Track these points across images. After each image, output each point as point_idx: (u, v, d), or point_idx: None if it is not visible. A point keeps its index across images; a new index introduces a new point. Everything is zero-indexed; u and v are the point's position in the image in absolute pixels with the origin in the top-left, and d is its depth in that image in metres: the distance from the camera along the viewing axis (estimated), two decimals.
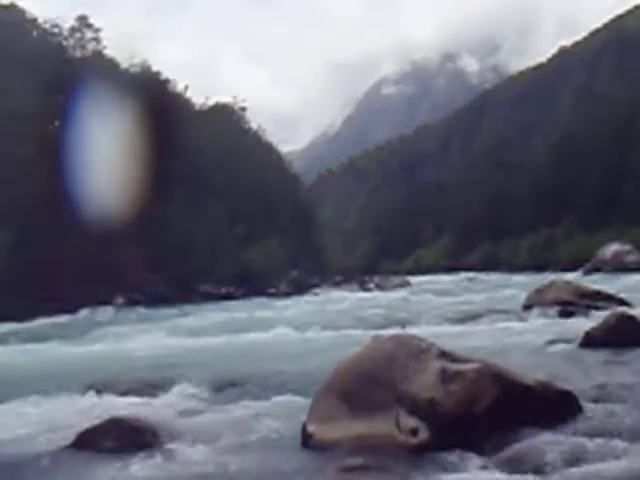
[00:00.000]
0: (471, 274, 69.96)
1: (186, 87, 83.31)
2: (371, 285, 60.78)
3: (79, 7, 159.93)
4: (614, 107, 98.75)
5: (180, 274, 55.75)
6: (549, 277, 34.19)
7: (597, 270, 54.02)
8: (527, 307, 22.58)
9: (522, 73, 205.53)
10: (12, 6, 75.81)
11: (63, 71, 55.53)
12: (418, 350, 8.19)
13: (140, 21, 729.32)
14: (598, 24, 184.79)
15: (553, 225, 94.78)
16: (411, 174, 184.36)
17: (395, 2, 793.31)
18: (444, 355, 8.11)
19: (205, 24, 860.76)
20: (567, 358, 13.05)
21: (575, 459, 6.60)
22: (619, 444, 6.90)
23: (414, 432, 7.43)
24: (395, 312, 26.32)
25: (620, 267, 53.03)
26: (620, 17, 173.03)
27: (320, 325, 22.89)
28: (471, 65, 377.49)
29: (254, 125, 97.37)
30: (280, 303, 42.60)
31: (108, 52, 72.46)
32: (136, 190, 49.25)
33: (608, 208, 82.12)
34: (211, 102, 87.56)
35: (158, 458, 7.83)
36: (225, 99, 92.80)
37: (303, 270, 74.60)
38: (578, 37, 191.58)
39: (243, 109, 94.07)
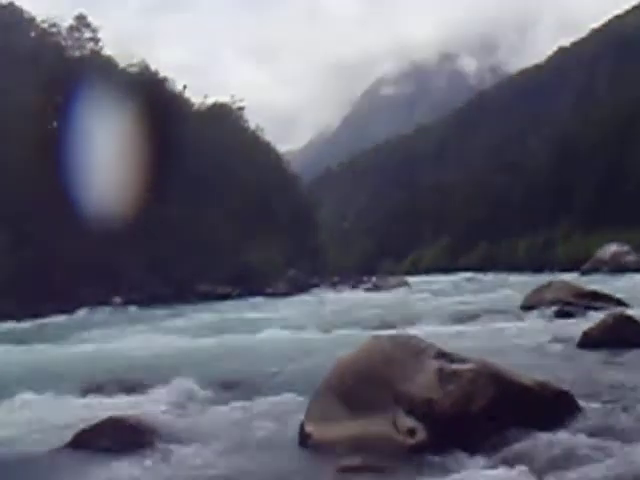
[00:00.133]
0: (469, 274, 69.98)
1: (184, 87, 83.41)
2: (369, 285, 60.84)
3: (77, 6, 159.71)
4: (613, 107, 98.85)
5: (178, 274, 55.83)
6: (547, 278, 34.22)
7: (595, 271, 54.06)
8: (525, 307, 22.62)
9: (521, 73, 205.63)
10: (10, 5, 75.73)
11: (61, 71, 55.54)
12: (416, 350, 8.19)
13: (138, 20, 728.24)
14: (597, 24, 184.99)
15: (551, 226, 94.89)
16: (410, 174, 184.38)
17: (394, 2, 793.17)
18: (442, 355, 8.11)
19: (203, 24, 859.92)
20: (565, 358, 13.07)
21: (573, 459, 6.61)
22: (617, 444, 6.91)
23: (412, 432, 7.43)
24: (393, 312, 26.33)
25: (618, 268, 53.08)
26: (619, 17, 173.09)
27: (317, 325, 22.92)
28: (470, 65, 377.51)
29: (252, 124, 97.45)
30: (278, 303, 42.67)
31: (106, 52, 72.53)
32: (134, 190, 49.29)
33: (607, 209, 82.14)
34: (209, 102, 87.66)
35: (155, 458, 7.82)
36: (223, 99, 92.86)
37: (301, 270, 74.67)
38: (577, 37, 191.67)
39: (241, 108, 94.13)
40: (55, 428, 9.60)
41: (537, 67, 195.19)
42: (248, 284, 57.82)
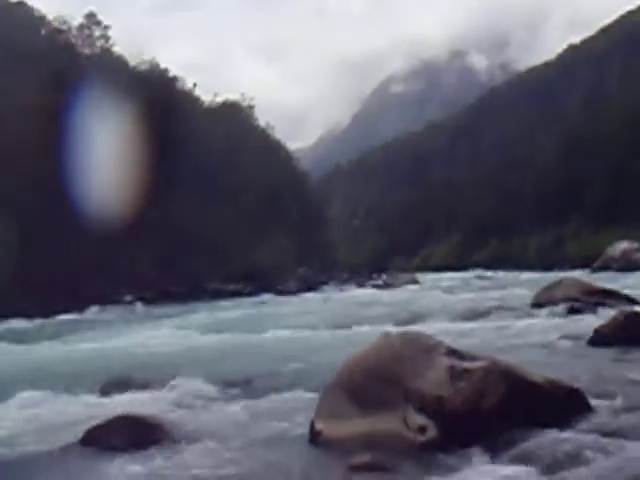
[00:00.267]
0: (480, 272, 69.94)
1: (194, 85, 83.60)
2: (379, 282, 60.79)
3: (87, 5, 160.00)
4: (622, 104, 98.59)
5: (189, 271, 55.88)
6: (558, 275, 34.14)
7: (606, 268, 53.89)
8: (536, 305, 22.52)
9: (531, 70, 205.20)
10: (21, 4, 75.90)
11: (71, 69, 55.59)
12: (426, 347, 8.19)
13: (148, 19, 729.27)
14: (607, 21, 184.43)
15: (562, 223, 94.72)
16: (420, 171, 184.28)
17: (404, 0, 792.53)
18: (452, 352, 8.10)
19: (213, 22, 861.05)
20: (576, 356, 13.03)
21: (583, 457, 6.60)
22: (628, 443, 6.89)
23: (422, 430, 7.43)
24: (403, 309, 26.29)
25: (629, 265, 52.84)
26: (629, 14, 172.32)
27: (327, 322, 22.95)
28: (480, 62, 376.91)
29: (262, 122, 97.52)
30: (288, 300, 42.68)
31: (117, 49, 72.65)
32: (144, 188, 49.35)
33: (617, 206, 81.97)
34: (220, 100, 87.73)
35: (166, 455, 7.84)
36: (233, 97, 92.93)
37: (311, 267, 74.69)
38: (587, 34, 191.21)
39: (251, 106, 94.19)
40: (67, 425, 9.63)
41: (547, 64, 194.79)
42: (258, 281, 57.81)
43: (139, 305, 44.44)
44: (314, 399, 8.78)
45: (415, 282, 54.51)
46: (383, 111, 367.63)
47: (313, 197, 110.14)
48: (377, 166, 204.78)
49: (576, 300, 21.21)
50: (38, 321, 33.80)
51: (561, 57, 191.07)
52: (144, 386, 12.27)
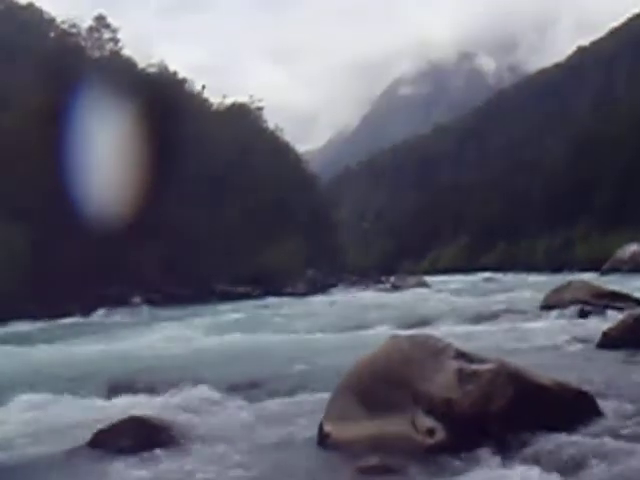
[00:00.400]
0: (488, 274, 69.80)
1: (203, 87, 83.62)
2: (388, 285, 60.81)
3: (96, 7, 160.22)
4: (631, 107, 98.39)
5: (197, 274, 55.88)
6: (566, 277, 34.09)
7: (615, 270, 53.77)
8: (545, 307, 22.51)
9: (540, 72, 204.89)
10: (30, 6, 76.10)
11: (80, 71, 55.66)
12: (435, 350, 8.19)
13: (158, 21, 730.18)
14: (616, 23, 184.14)
15: (570, 225, 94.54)
16: (428, 174, 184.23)
17: (412, 1, 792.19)
18: (461, 355, 8.10)
19: (223, 24, 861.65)
20: (584, 358, 13.03)
21: (591, 460, 6.60)
22: (636, 445, 6.88)
23: (431, 432, 7.43)
24: (412, 312, 26.29)
25: (638, 267, 52.72)
26: (638, 17, 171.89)
27: (336, 325, 22.97)
28: (488, 64, 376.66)
29: (271, 125, 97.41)
30: (297, 303, 42.69)
31: (126, 52, 72.73)
32: (153, 190, 49.35)
33: (626, 208, 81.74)
34: (228, 102, 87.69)
35: (174, 458, 7.86)
36: (242, 99, 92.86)
37: (320, 270, 74.63)
38: (596, 36, 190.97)
39: (260, 109, 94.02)
40: (73, 427, 9.66)
41: (556, 66, 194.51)
42: (267, 284, 57.82)
43: (146, 307, 44.44)
44: (322, 401, 8.78)
45: (423, 285, 54.45)
46: (392, 113, 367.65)
47: (322, 199, 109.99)
48: (386, 169, 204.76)
49: (585, 303, 21.20)
50: (43, 323, 33.81)
51: (570, 59, 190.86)
52: (151, 389, 12.28)
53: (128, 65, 70.29)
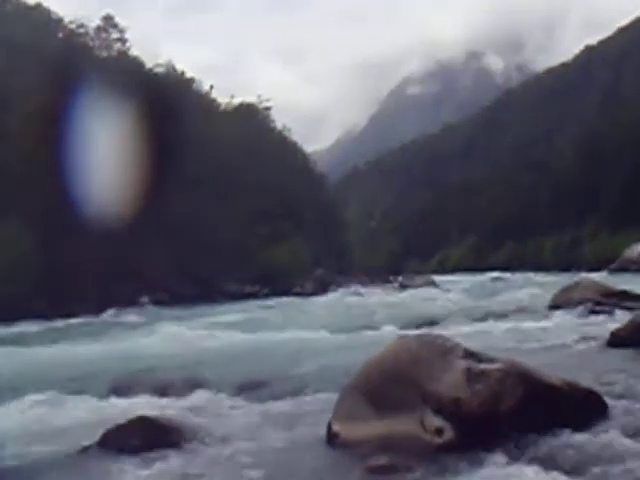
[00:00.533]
0: (496, 274, 69.71)
1: (211, 87, 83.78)
2: (396, 284, 60.76)
3: (104, 7, 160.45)
4: (639, 106, 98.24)
5: (205, 274, 55.95)
6: (575, 277, 34.03)
7: (623, 270, 53.69)
8: (553, 307, 22.48)
9: (548, 72, 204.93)
10: (38, 6, 76.19)
11: (88, 71, 55.71)
12: (443, 350, 8.18)
13: (166, 21, 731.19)
14: (624, 22, 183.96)
15: (578, 225, 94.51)
16: (436, 173, 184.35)
17: (420, 1, 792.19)
18: (469, 354, 8.09)
19: (231, 23, 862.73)
20: (593, 358, 12.99)
21: (601, 460, 6.59)
22: None
23: (439, 432, 7.42)
24: (420, 311, 26.26)
25: None
26: None
27: (343, 324, 22.95)
28: (496, 64, 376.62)
29: (279, 124, 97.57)
30: (305, 302, 42.68)
31: (134, 52, 72.83)
32: (161, 190, 49.42)
33: (634, 208, 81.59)
34: (236, 102, 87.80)
35: (183, 458, 7.86)
36: (250, 99, 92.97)
37: (328, 270, 74.68)
38: (604, 35, 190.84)
39: (268, 108, 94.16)
40: (83, 427, 9.66)
41: (564, 65, 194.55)
42: (275, 283, 57.93)
43: (154, 307, 44.48)
44: (330, 401, 8.77)
45: (432, 284, 54.33)
46: (400, 113, 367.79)
47: (330, 199, 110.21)
48: (394, 168, 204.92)
49: (594, 302, 21.16)
50: (52, 323, 33.88)
51: (577, 58, 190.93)
52: (158, 389, 12.29)
53: (136, 65, 70.40)
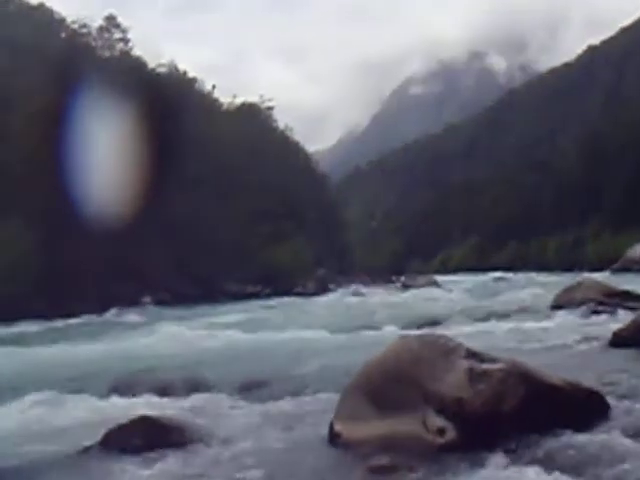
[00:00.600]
0: (499, 274, 69.70)
1: (213, 87, 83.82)
2: (398, 284, 60.77)
3: (107, 7, 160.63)
4: None
5: (207, 274, 55.97)
6: (577, 277, 34.01)
7: (626, 270, 53.63)
8: (555, 307, 22.46)
9: (550, 72, 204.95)
10: (40, 6, 76.23)
11: (90, 71, 55.74)
12: (445, 349, 8.17)
13: (169, 21, 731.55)
14: (627, 22, 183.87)
15: (581, 225, 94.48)
16: (439, 173, 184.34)
17: (423, 1, 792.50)
18: (472, 354, 8.08)
19: (233, 23, 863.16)
20: (596, 358, 12.97)
21: (603, 459, 6.58)
22: None
23: (441, 432, 7.41)
24: (422, 311, 26.26)
25: None
26: None
27: (345, 324, 22.96)
28: (499, 64, 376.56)
29: (281, 124, 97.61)
30: (306, 302, 42.69)
31: (136, 52, 72.87)
32: (163, 190, 49.44)
33: (637, 208, 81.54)
34: (238, 101, 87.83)
35: (185, 457, 7.85)
36: (252, 98, 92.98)
37: (330, 269, 74.71)
38: (607, 35, 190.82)
39: (270, 108, 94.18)
40: (85, 426, 9.66)
41: (566, 65, 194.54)
42: (277, 283, 57.96)
43: (156, 307, 44.50)
44: (332, 401, 8.76)
45: (434, 284, 54.33)
46: (402, 113, 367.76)
47: (332, 199, 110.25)
48: (396, 168, 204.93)
49: (596, 302, 21.14)
50: (53, 323, 33.89)
51: (580, 58, 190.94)
52: (158, 389, 12.28)
53: (138, 65, 70.42)
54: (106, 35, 71.68)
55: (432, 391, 7.72)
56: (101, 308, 41.14)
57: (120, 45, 72.37)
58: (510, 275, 68.46)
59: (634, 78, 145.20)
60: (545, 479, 6.33)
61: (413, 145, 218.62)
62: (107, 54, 70.58)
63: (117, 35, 72.12)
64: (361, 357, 9.11)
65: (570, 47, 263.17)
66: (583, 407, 7.90)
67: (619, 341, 13.70)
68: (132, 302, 44.75)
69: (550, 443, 7.08)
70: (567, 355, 13.46)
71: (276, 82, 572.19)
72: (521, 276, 66.84)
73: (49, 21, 73.19)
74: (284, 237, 68.56)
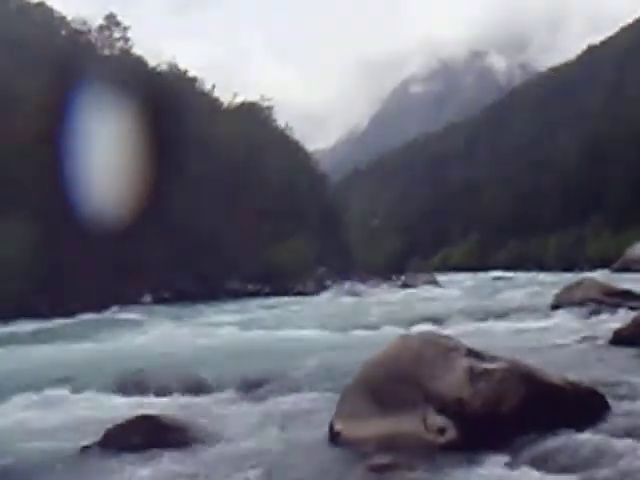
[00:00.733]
0: (499, 273, 69.71)
1: (213, 86, 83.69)
2: (399, 283, 60.75)
3: (107, 6, 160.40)
4: None
5: (207, 272, 55.92)
6: (577, 276, 34.01)
7: (626, 269, 53.56)
8: (556, 306, 22.46)
9: (551, 71, 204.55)
10: (41, 5, 76.17)
11: (90, 70, 55.73)
12: (446, 349, 8.16)
13: (168, 19, 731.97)
14: (627, 22, 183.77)
15: (582, 224, 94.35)
16: (439, 172, 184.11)
17: (423, 0, 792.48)
18: (472, 354, 8.07)
19: (233, 22, 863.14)
20: (596, 357, 12.97)
21: (603, 458, 6.56)
22: None
23: (442, 431, 7.41)
24: (422, 310, 26.28)
25: None
26: None
27: (345, 323, 22.96)
28: (499, 63, 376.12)
29: (281, 123, 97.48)
30: (307, 300, 42.71)
31: (136, 51, 72.84)
32: (165, 189, 49.43)
33: (637, 207, 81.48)
34: (238, 101, 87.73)
35: (185, 456, 7.85)
36: (252, 98, 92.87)
37: (330, 268, 74.67)
38: (607, 35, 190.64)
39: (270, 107, 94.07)
40: (86, 425, 9.66)
41: (567, 65, 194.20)
42: (277, 282, 57.93)
43: (157, 305, 44.48)
44: (332, 400, 8.76)
45: (434, 283, 54.37)
46: (402, 112, 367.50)
47: (332, 198, 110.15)
48: (396, 167, 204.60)
49: (596, 301, 21.14)
50: (53, 322, 33.83)
51: (581, 57, 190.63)
52: (158, 387, 12.29)
53: (138, 64, 70.34)
54: (106, 34, 71.60)
55: (432, 390, 7.71)
56: (101, 307, 41.09)
57: (120, 44, 72.29)
58: (510, 274, 68.41)
59: (634, 77, 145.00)
60: (545, 479, 6.32)
61: (413, 144, 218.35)
62: (107, 53, 70.51)
63: (117, 34, 72.03)
64: (361, 356, 9.11)
65: (570, 46, 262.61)
66: (584, 406, 7.89)
67: (620, 340, 13.71)
68: (132, 301, 44.71)
69: (551, 442, 7.07)
70: (567, 354, 13.46)
71: (276, 81, 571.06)
72: (521, 275, 66.83)
73: (49, 20, 73.08)
74: (285, 236, 68.52)
